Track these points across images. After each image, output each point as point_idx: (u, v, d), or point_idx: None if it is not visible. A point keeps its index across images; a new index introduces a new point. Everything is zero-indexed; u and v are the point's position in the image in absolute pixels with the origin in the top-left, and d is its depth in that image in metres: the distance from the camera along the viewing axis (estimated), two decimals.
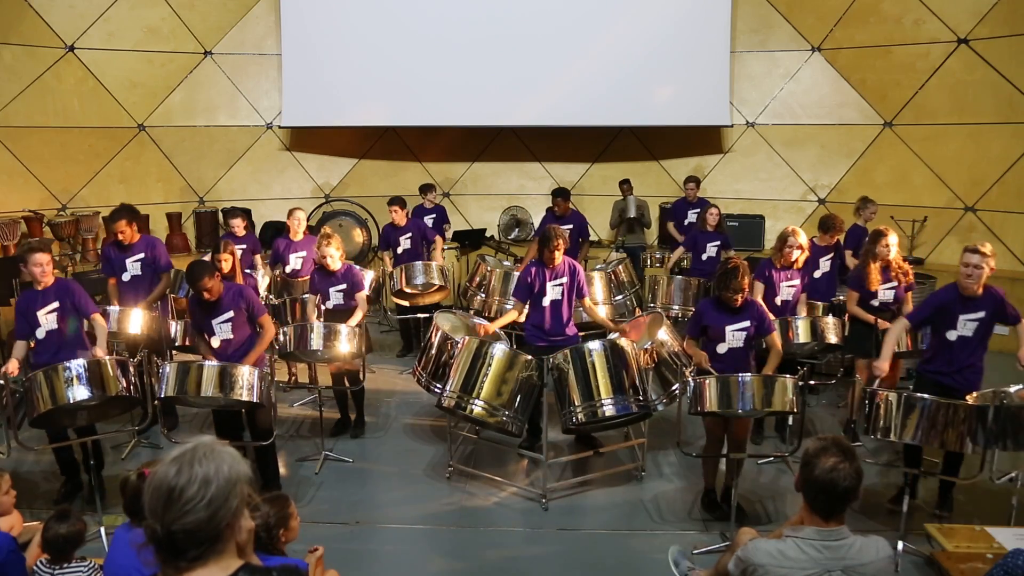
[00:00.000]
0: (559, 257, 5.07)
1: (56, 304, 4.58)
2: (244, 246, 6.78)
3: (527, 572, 4.08)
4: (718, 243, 7.17)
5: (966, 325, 4.34)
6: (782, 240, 5.52)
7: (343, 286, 5.68)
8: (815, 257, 6.22)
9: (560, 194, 7.75)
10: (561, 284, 5.12)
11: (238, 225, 6.93)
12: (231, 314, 4.68)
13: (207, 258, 6.82)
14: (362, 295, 5.75)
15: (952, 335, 4.37)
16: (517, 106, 9.68)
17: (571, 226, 7.59)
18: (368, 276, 6.97)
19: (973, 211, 8.42)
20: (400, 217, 7.40)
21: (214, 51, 9.72)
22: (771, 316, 4.67)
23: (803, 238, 5.49)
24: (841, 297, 6.27)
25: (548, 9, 9.51)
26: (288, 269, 6.66)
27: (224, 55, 9.77)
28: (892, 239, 5.30)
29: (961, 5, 8.24)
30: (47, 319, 4.58)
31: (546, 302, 5.12)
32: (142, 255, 5.80)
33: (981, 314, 4.32)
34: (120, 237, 5.70)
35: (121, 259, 5.78)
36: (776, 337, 4.62)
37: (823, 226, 6.27)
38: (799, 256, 5.48)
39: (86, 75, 9.04)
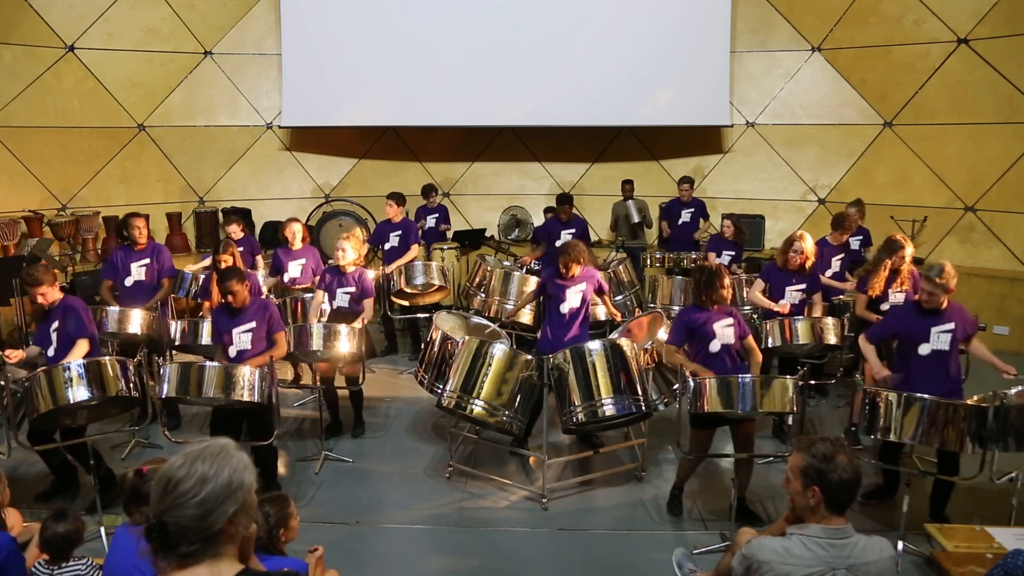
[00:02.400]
0: (577, 270, 5.11)
1: (57, 324, 4.60)
2: (242, 248, 6.79)
3: (527, 572, 4.07)
4: (733, 254, 7.23)
5: (940, 338, 4.29)
6: (788, 243, 5.49)
7: (352, 289, 5.70)
8: (828, 257, 6.22)
9: (566, 200, 7.91)
10: (581, 291, 5.17)
11: (234, 231, 6.92)
12: (252, 324, 4.74)
13: (209, 260, 6.87)
14: (370, 301, 5.76)
15: (925, 348, 4.30)
16: (517, 106, 9.68)
17: (573, 230, 7.74)
18: (368, 275, 6.97)
19: (973, 211, 8.42)
20: (395, 212, 7.39)
21: (214, 51, 9.72)
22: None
23: (809, 243, 5.45)
24: (842, 296, 6.28)
25: (548, 9, 9.50)
26: (287, 278, 6.66)
27: (224, 55, 9.77)
28: (908, 251, 5.24)
29: (961, 5, 8.24)
30: (54, 336, 4.61)
31: (565, 308, 5.13)
32: (147, 260, 5.91)
33: (951, 325, 4.29)
34: (136, 232, 5.82)
35: (127, 263, 5.85)
36: (752, 341, 4.59)
37: (836, 224, 6.23)
38: (801, 261, 5.44)
39: (86, 75, 9.03)
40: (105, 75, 9.14)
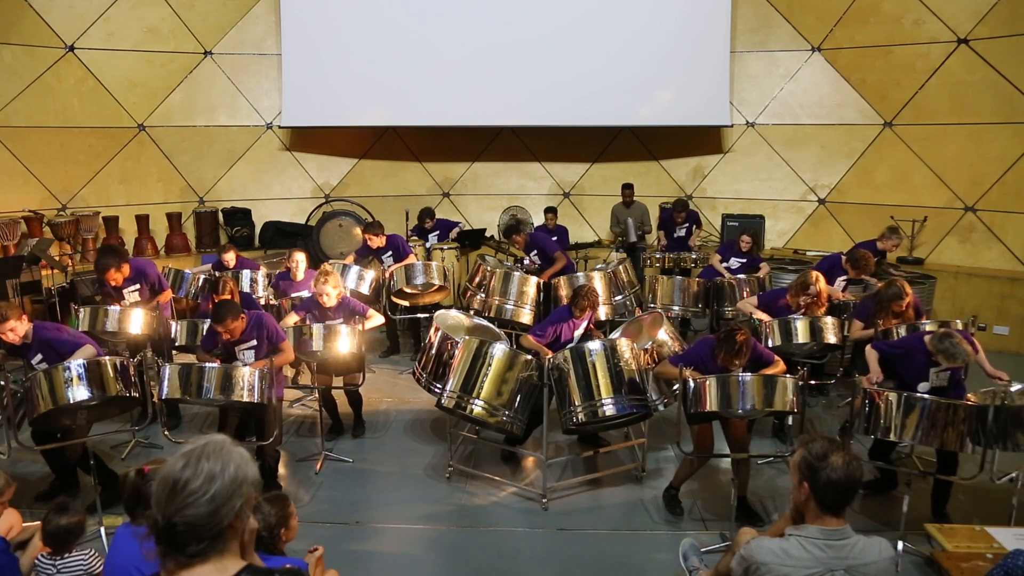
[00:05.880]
0: (586, 313, 5.20)
1: (40, 356, 4.51)
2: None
3: (527, 572, 4.07)
4: (744, 261, 7.43)
5: (939, 376, 4.28)
6: (803, 286, 5.35)
7: (339, 320, 5.57)
8: (834, 276, 6.20)
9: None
10: (583, 327, 5.30)
11: (230, 260, 6.89)
12: (254, 343, 4.72)
13: (208, 265, 6.83)
14: (371, 311, 5.65)
15: (923, 387, 4.26)
16: (517, 106, 9.68)
17: (555, 237, 8.05)
18: (368, 276, 6.97)
19: (973, 211, 8.42)
20: (378, 241, 7.15)
21: (214, 51, 9.72)
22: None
23: (823, 284, 5.37)
24: (843, 296, 6.27)
25: (548, 9, 9.51)
26: (291, 297, 6.60)
27: (224, 55, 9.77)
28: (908, 299, 5.15)
29: (961, 5, 8.24)
30: (41, 367, 4.48)
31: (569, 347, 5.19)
32: (137, 286, 5.84)
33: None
34: (113, 284, 5.68)
35: (118, 291, 5.80)
36: (774, 367, 4.43)
37: (854, 263, 6.09)
38: (809, 305, 5.37)
39: (86, 75, 9.04)
40: (105, 75, 9.14)
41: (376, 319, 5.73)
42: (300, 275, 6.59)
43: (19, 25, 8.53)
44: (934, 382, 4.29)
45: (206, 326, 5.40)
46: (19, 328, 4.38)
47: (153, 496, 1.53)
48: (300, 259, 6.59)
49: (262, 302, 6.49)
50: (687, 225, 8.47)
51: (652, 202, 9.52)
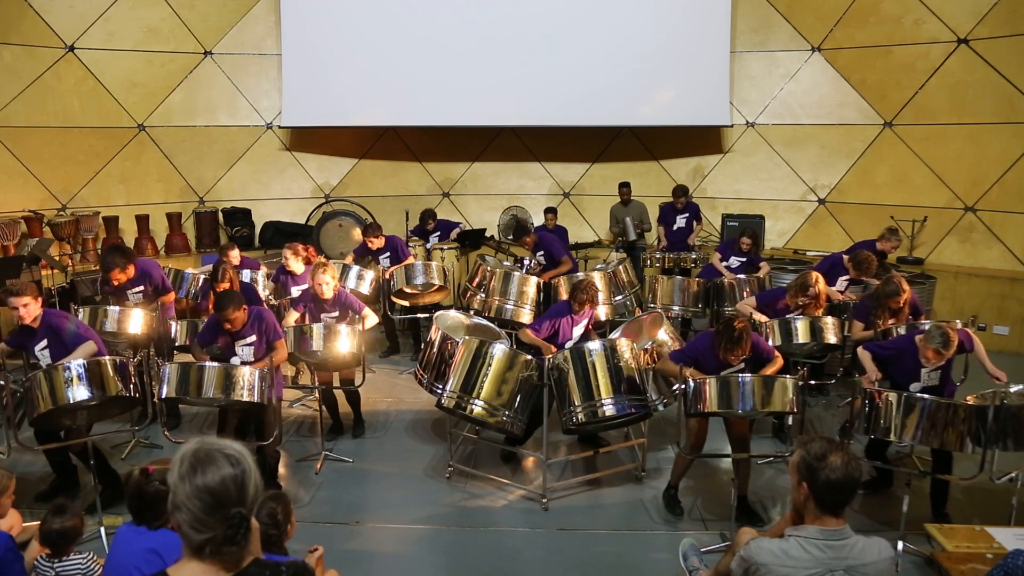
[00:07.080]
0: (585, 308, 5.20)
1: (45, 342, 4.52)
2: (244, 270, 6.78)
3: (527, 572, 4.07)
4: (744, 260, 7.42)
5: (930, 376, 4.30)
6: (802, 288, 5.34)
7: (335, 313, 5.60)
8: (836, 275, 6.20)
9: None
10: (583, 325, 5.30)
11: (234, 258, 6.87)
12: (253, 339, 4.73)
13: (208, 266, 6.81)
14: (367, 311, 5.64)
15: (915, 387, 4.30)
16: (517, 106, 9.68)
17: (555, 237, 7.98)
18: (368, 276, 6.97)
19: (973, 211, 8.42)
20: (377, 243, 7.22)
21: (214, 51, 9.72)
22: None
23: (822, 285, 5.38)
24: (842, 296, 6.27)
25: (548, 9, 9.51)
26: (290, 298, 6.59)
27: (224, 55, 9.77)
28: (905, 295, 5.16)
29: (961, 5, 8.24)
30: (43, 355, 4.55)
31: (569, 345, 5.19)
32: (141, 288, 5.81)
33: (943, 362, 4.29)
34: (116, 284, 5.65)
35: (122, 292, 5.78)
36: (773, 364, 4.48)
37: (857, 265, 6.10)
38: (807, 306, 5.37)
39: (86, 75, 9.04)
40: (105, 75, 9.14)
41: (372, 318, 5.72)
42: (296, 267, 6.49)
43: (19, 25, 8.53)
44: (925, 381, 4.31)
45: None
46: (32, 307, 4.43)
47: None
48: (289, 255, 6.46)
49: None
50: (687, 216, 8.44)
51: (652, 202, 9.51)
